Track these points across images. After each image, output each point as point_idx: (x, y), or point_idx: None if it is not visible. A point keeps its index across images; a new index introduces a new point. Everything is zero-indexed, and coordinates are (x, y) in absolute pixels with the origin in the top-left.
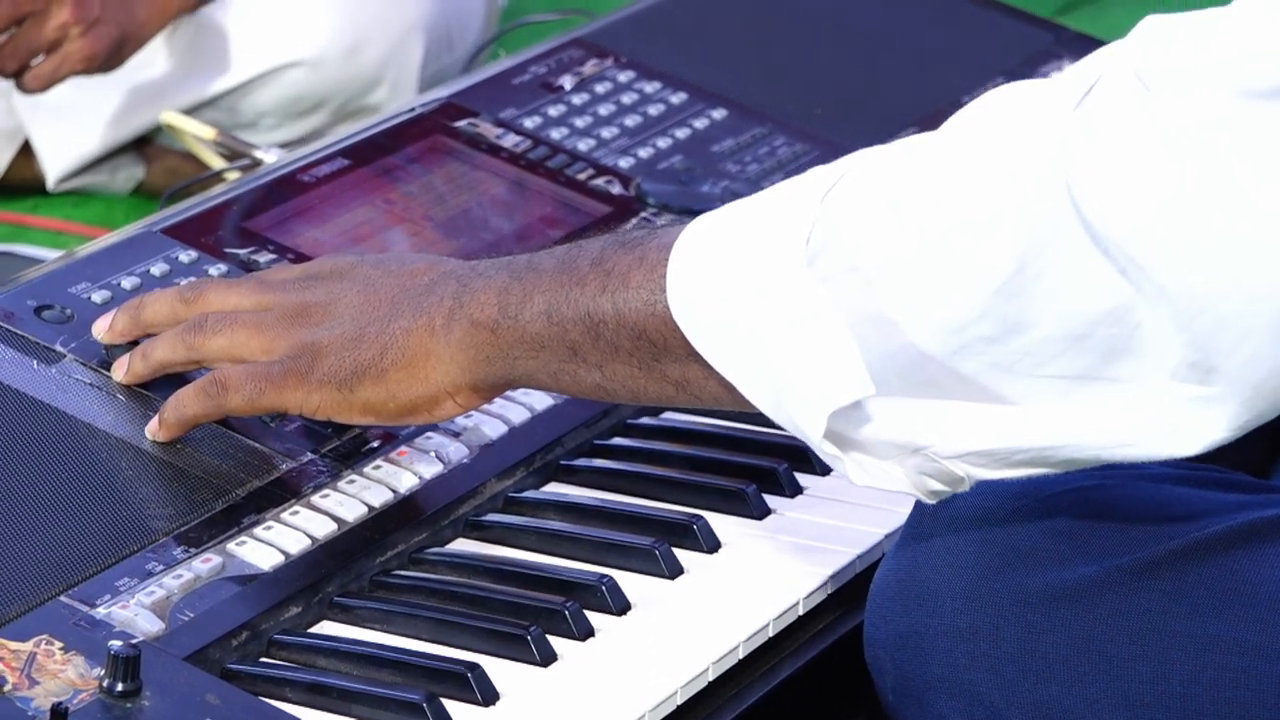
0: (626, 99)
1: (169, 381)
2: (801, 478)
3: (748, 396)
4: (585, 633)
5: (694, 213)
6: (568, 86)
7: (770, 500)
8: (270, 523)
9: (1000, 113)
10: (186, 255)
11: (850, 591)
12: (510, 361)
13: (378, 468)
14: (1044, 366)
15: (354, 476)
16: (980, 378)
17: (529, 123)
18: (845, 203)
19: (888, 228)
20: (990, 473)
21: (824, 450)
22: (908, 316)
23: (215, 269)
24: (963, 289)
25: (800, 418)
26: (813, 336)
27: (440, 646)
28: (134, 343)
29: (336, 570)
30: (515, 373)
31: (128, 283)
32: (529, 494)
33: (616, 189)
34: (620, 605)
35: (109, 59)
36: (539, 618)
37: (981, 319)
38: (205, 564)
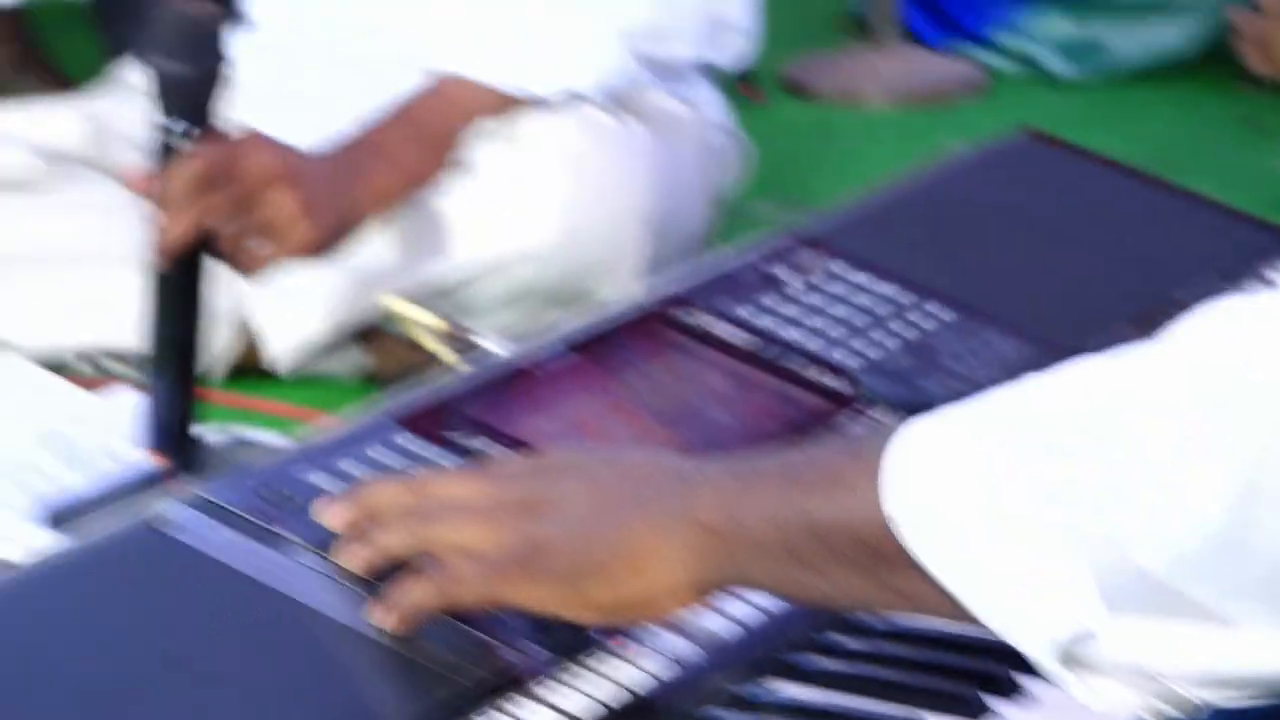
0: (846, 293)
1: (393, 569)
2: (1023, 680)
3: (971, 611)
4: None
5: (914, 410)
6: (787, 280)
7: (992, 703)
8: (494, 714)
9: (1222, 331)
10: (412, 443)
11: None
12: (733, 563)
13: (600, 660)
14: (1277, 591)
15: (577, 669)
16: (1209, 601)
17: (749, 315)
18: (1064, 418)
19: (1108, 447)
20: (1226, 699)
21: (1052, 672)
22: (1134, 539)
23: (440, 457)
24: (1189, 513)
25: (1028, 639)
26: (1039, 556)
27: None
28: (360, 530)
29: None
30: (738, 574)
31: (354, 469)
32: (751, 692)
33: (836, 384)
34: None
35: (328, 245)
36: None
37: (1208, 542)
38: None
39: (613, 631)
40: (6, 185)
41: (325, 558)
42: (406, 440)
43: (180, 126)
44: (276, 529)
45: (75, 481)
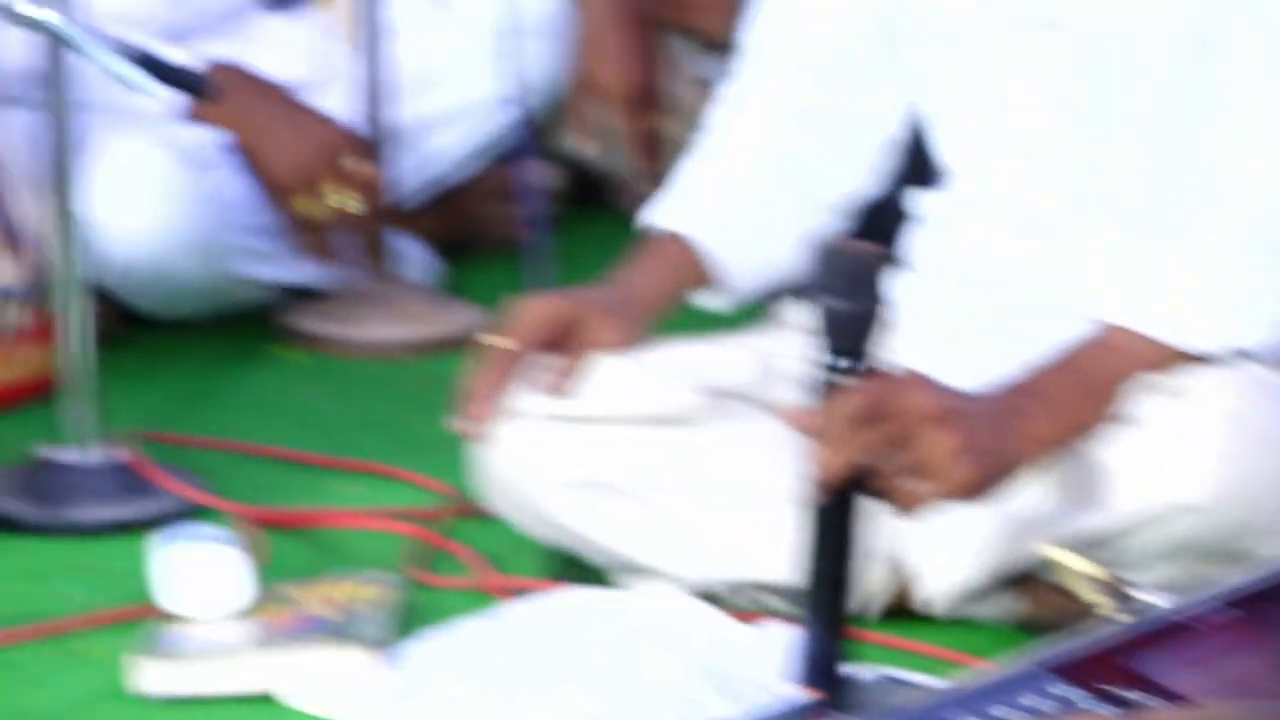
0: None
1: None
2: None
3: None
4: None
5: None
6: None
7: None
8: None
9: None
10: (1065, 691)
11: None
12: None
13: None
14: None
15: None
16: None
17: None
18: None
19: None
20: None
21: None
22: None
23: (1094, 706)
24: None
25: None
26: None
27: None
28: None
29: None
30: None
31: (1005, 714)
32: None
33: None
34: None
35: (986, 487)
36: None
37: None
38: None
39: None
40: (668, 420)
41: None
42: (1059, 688)
43: (842, 363)
44: None
45: (727, 712)
